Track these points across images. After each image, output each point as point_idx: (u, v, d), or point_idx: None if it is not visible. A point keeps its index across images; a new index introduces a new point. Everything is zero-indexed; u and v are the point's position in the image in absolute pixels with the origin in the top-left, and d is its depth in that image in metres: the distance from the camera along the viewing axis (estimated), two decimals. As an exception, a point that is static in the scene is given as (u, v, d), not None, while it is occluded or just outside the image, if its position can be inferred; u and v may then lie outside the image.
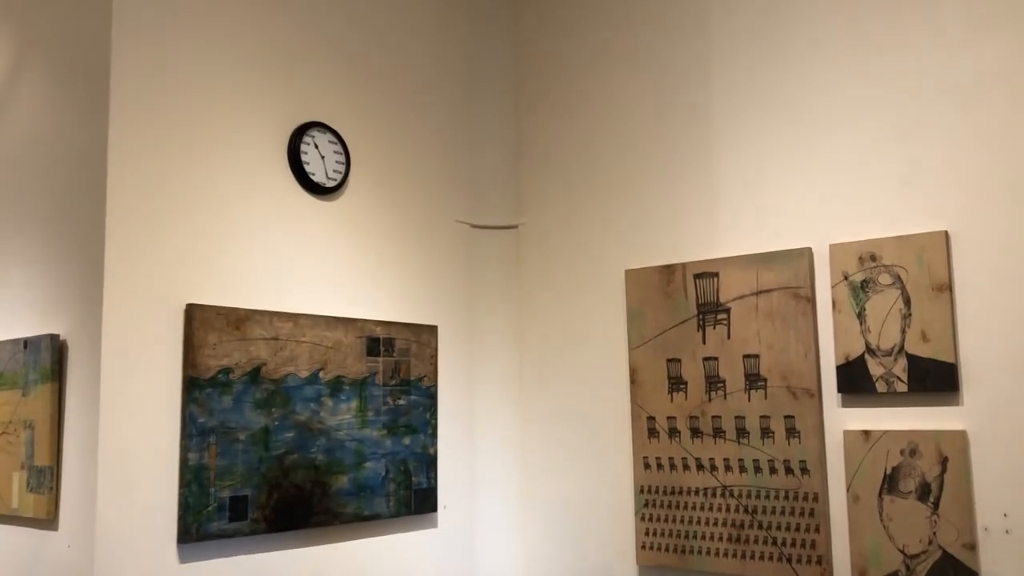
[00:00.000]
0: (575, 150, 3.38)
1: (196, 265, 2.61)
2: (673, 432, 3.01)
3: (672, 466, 3.01)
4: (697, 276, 3.01)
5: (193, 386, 2.54)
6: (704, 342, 2.97)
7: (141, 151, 2.51)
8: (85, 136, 2.52)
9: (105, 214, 2.43)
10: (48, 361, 2.50)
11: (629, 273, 3.16)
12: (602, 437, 3.20)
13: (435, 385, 3.24)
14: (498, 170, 3.54)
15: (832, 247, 2.74)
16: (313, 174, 2.93)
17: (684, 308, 3.02)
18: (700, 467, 2.95)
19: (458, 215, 3.44)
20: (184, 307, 2.56)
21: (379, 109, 3.19)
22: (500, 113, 3.57)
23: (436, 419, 3.23)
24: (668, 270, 3.07)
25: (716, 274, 2.97)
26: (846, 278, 2.71)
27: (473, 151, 3.52)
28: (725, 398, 2.91)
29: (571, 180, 3.38)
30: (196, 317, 2.57)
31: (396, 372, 3.11)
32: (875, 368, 2.63)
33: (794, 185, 2.86)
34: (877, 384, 2.62)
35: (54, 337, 2.51)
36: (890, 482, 2.58)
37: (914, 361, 2.57)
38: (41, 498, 2.48)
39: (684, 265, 3.03)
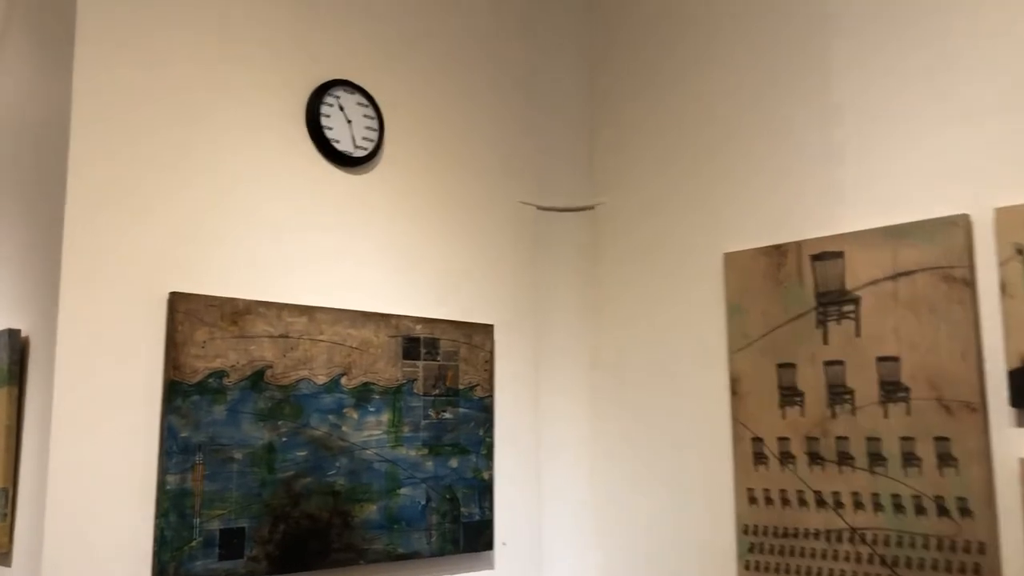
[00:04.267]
0: (662, 114, 2.78)
1: (184, 246, 2.14)
2: (786, 458, 2.36)
3: (785, 501, 2.35)
4: (815, 258, 2.35)
5: (175, 392, 2.07)
6: (825, 342, 2.31)
7: (111, 108, 2.06)
8: (50, 91, 2.11)
9: (66, 182, 1.99)
10: (6, 361, 2.08)
11: (729, 257, 2.53)
12: (696, 462, 2.57)
13: (490, 396, 2.68)
14: (570, 142, 2.97)
15: (998, 212, 2.05)
16: (337, 141, 2.44)
17: (799, 299, 2.37)
18: (821, 503, 2.28)
19: (521, 195, 2.89)
20: (167, 296, 2.10)
21: (421, 66, 2.68)
22: (571, 75, 3.01)
23: (492, 437, 2.67)
24: (778, 252, 2.43)
25: (840, 254, 2.30)
26: (1020, 252, 2.01)
27: (539, 119, 2.97)
28: (854, 414, 2.24)
29: (658, 151, 2.78)
30: (181, 308, 2.10)
31: (440, 379, 2.57)
32: (1065, 373, 1.93)
33: (943, 135, 2.18)
34: (1068, 395, 1.92)
35: (14, 333, 2.09)
36: (1091, 531, 1.87)
37: (1123, 363, 1.85)
38: (-2, 526, 2.06)
39: (798, 244, 2.39)
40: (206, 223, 2.18)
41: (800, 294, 2.37)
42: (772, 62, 2.53)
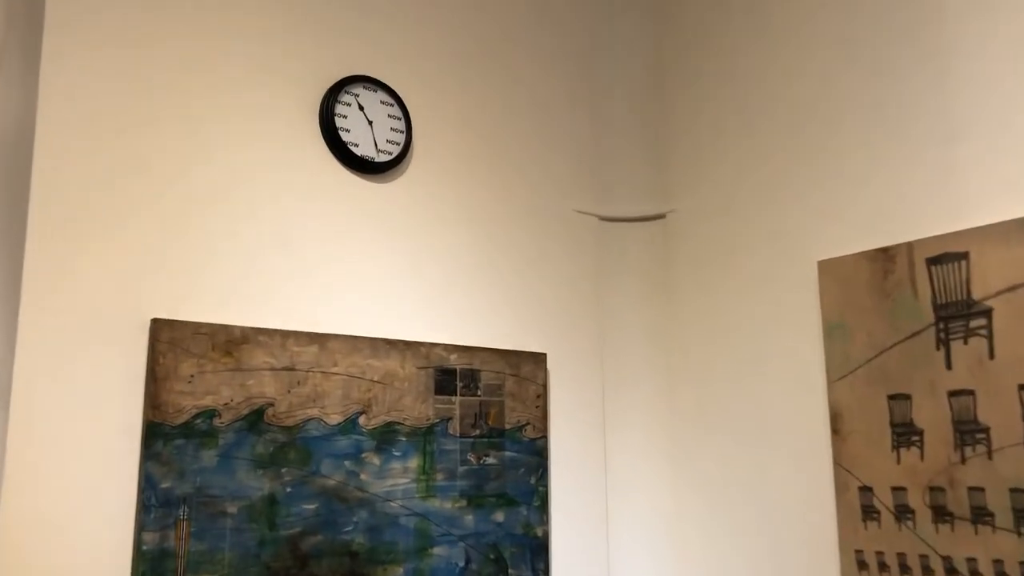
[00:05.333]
0: (740, 103, 2.37)
1: (168, 265, 1.85)
2: (903, 512, 1.88)
3: (904, 568, 1.87)
4: (932, 261, 1.89)
5: (154, 436, 1.77)
6: (949, 367, 1.84)
7: (83, 104, 1.80)
8: (11, 86, 1.87)
9: (29, 191, 1.73)
10: (-29, 400, 1.84)
11: (824, 266, 2.08)
12: (791, 516, 2.11)
13: (543, 437, 2.30)
14: (635, 142, 2.59)
15: None
16: (355, 145, 2.13)
17: (913, 313, 1.91)
18: (951, 571, 1.80)
19: (578, 203, 2.51)
20: (148, 324, 1.81)
21: (455, 59, 2.35)
22: (637, 67, 2.63)
23: (547, 485, 2.28)
24: (884, 256, 1.97)
25: (964, 255, 1.84)
26: None
27: (599, 118, 2.60)
28: (990, 458, 1.76)
29: (737, 146, 2.36)
30: (164, 338, 1.81)
31: (481, 418, 2.20)
32: None
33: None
34: None
35: (-20, 368, 1.84)
36: None
37: None
38: (-35, 591, 1.79)
39: (909, 245, 1.93)
40: (196, 238, 1.89)
41: (914, 307, 1.90)
42: (863, 43, 2.09)
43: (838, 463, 2.00)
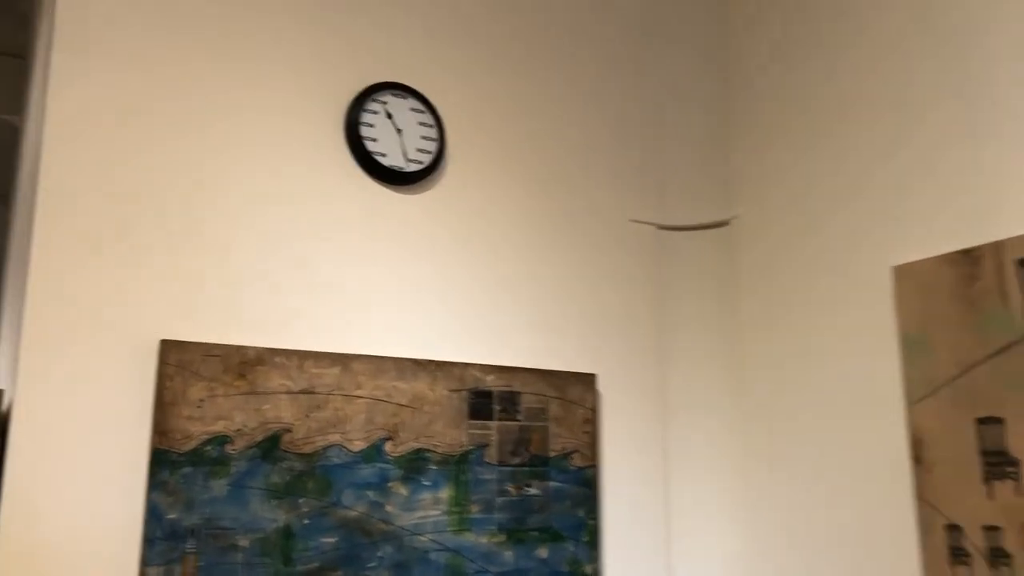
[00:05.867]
0: (808, 96, 2.14)
1: (178, 282, 1.77)
2: (998, 556, 1.62)
3: (1001, 621, 1.60)
4: (1024, 263, 1.63)
5: (161, 464, 1.68)
6: (1049, 385, 1.57)
7: (93, 119, 1.74)
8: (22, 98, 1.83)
9: (35, 205, 1.68)
10: (-14, 427, 1.79)
11: (900, 272, 1.84)
12: (871, 560, 1.86)
13: (593, 466, 2.11)
14: (695, 145, 2.39)
15: None
16: (382, 155, 2.01)
17: (1004, 324, 1.65)
18: (1058, 628, 1.52)
19: (633, 211, 2.33)
20: (157, 345, 1.73)
21: (491, 62, 2.21)
22: (697, 63, 2.43)
23: (596, 518, 2.09)
24: (968, 259, 1.72)
25: (1062, 254, 1.58)
26: None
27: (655, 120, 2.41)
28: (1101, 493, 1.49)
29: (808, 145, 2.13)
30: (171, 360, 1.72)
31: (522, 445, 2.04)
32: None
33: None
34: None
35: (-6, 393, 1.80)
36: None
37: None
38: (-20, 623, 1.74)
39: (997, 246, 1.67)
40: (207, 255, 1.80)
41: (1004, 317, 1.64)
42: (953, 11, 1.84)
43: (921, 498, 1.75)
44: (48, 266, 1.66)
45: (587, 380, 2.14)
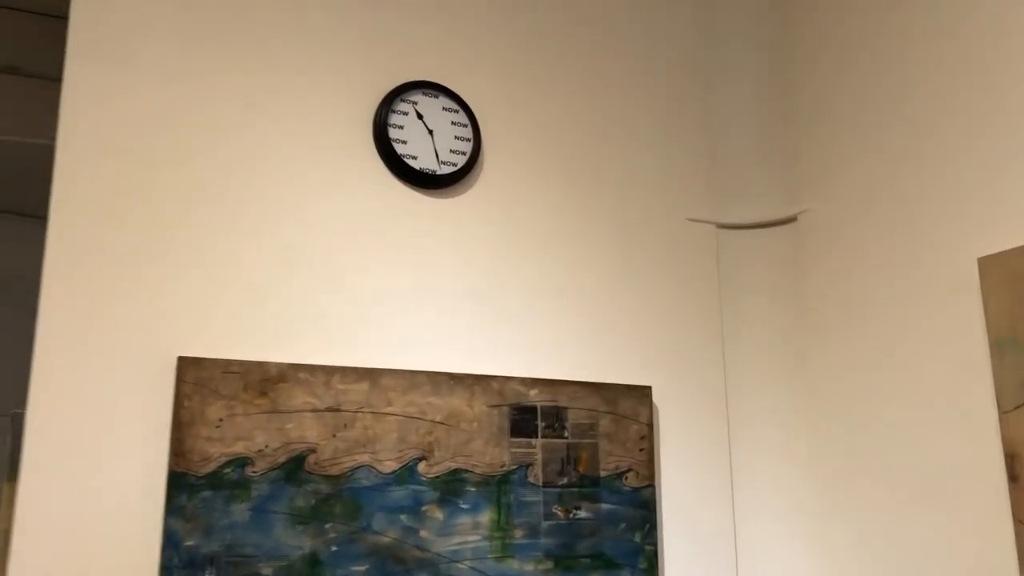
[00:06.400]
0: (886, 81, 1.94)
1: (196, 296, 1.69)
2: (1113, 589, 1.38)
3: (1120, 666, 1.37)
4: None
5: (178, 487, 1.59)
6: None
7: (106, 128, 1.67)
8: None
9: (47, 217, 1.63)
10: (8, 450, 1.74)
11: (987, 264, 1.62)
12: (965, 589, 1.64)
13: (651, 486, 1.94)
14: (756, 137, 2.20)
15: None
16: (412, 157, 1.90)
17: (1111, 318, 1.42)
18: None
19: (689, 210, 2.16)
20: (175, 362, 1.65)
21: (531, 55, 2.08)
22: (754, 48, 2.25)
23: (655, 543, 1.91)
24: (1066, 245, 1.50)
25: None
26: None
27: (711, 112, 2.24)
28: None
29: (882, 130, 1.93)
30: (189, 378, 1.64)
31: (570, 464, 1.88)
32: None
33: None
34: None
35: (17, 416, 1.75)
36: None
37: None
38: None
39: (1100, 228, 1.45)
40: (226, 265, 1.72)
41: (1112, 309, 1.41)
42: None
43: (1020, 520, 1.52)
44: (60, 282, 1.60)
45: (641, 392, 1.98)
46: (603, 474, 1.91)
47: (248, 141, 1.78)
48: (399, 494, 1.74)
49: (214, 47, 1.79)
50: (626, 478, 1.93)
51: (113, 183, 1.66)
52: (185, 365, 1.64)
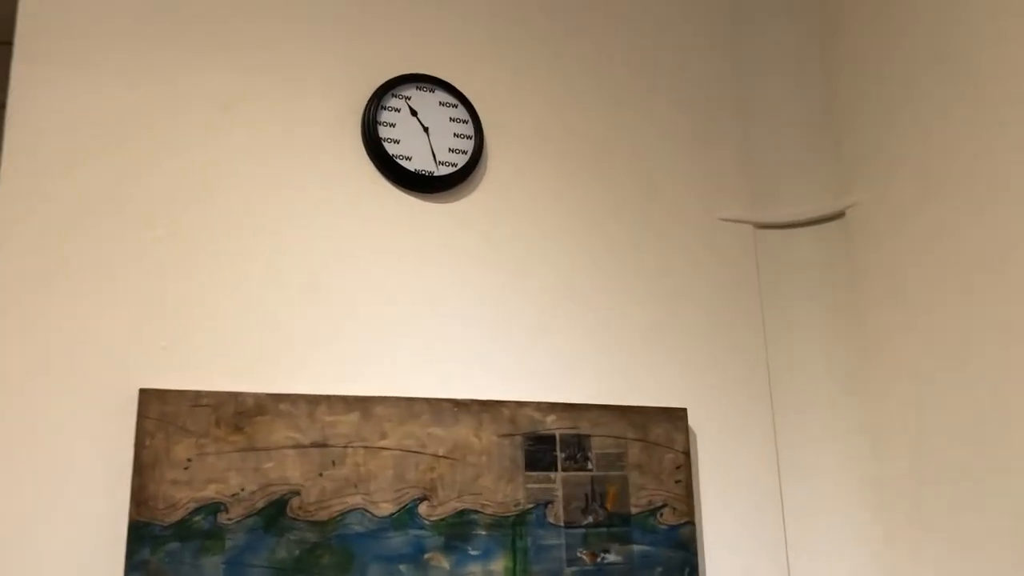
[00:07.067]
0: (944, 56, 1.71)
1: (160, 320, 1.48)
2: None
3: None
4: None
5: (141, 539, 1.38)
6: None
7: (57, 131, 1.48)
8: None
9: (-10, 245, 1.44)
10: (-43, 501, 1.54)
11: None
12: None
13: (690, 523, 1.69)
14: (796, 125, 1.97)
15: None
16: (406, 158, 1.69)
17: None
18: None
19: (724, 209, 1.93)
20: (136, 395, 1.45)
21: (539, 41, 1.88)
22: (792, 30, 2.03)
23: (697, 590, 1.67)
24: None
25: None
26: None
27: (746, 100, 2.01)
28: None
29: (937, 111, 1.69)
30: (152, 413, 1.43)
31: (596, 500, 1.64)
32: None
33: None
34: None
35: (-33, 461, 1.55)
36: None
37: None
38: None
39: None
40: (196, 284, 1.52)
41: None
42: None
43: None
44: (6, 307, 1.41)
45: (675, 416, 1.74)
46: (634, 511, 1.66)
47: (219, 148, 1.59)
48: (397, 541, 1.51)
49: (182, 43, 1.60)
50: (661, 515, 1.68)
51: (66, 194, 1.47)
52: (148, 398, 1.43)
